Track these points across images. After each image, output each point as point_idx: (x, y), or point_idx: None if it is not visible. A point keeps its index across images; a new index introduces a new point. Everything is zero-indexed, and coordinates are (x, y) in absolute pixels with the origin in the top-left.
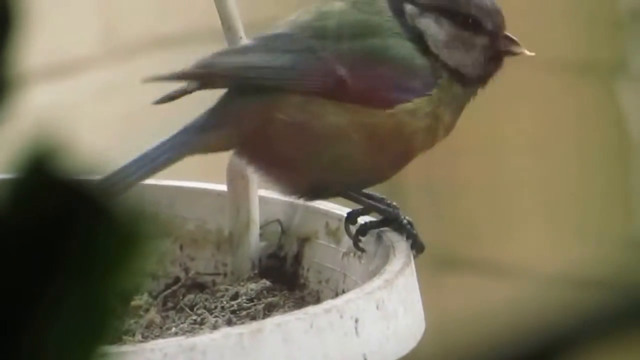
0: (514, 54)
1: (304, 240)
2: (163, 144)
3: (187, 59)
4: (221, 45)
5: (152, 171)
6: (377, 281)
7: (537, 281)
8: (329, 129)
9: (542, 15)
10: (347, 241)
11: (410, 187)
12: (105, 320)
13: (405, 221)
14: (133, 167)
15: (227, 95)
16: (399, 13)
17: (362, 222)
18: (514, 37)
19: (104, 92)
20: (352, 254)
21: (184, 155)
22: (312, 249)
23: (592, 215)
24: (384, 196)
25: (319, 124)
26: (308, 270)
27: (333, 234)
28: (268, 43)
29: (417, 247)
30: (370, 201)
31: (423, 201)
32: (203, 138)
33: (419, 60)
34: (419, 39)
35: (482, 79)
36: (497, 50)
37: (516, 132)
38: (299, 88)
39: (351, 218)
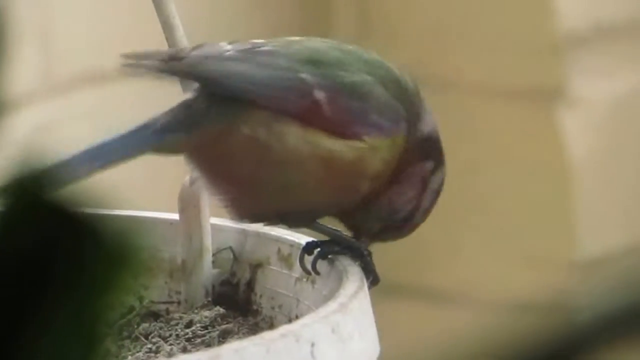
0: None
1: (256, 267)
2: (117, 139)
3: (126, 94)
4: (162, 79)
5: (104, 166)
6: (332, 305)
7: (481, 307)
8: (287, 152)
9: (481, 41)
10: (299, 267)
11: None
12: (95, 341)
13: (366, 252)
14: (85, 158)
15: (192, 98)
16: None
17: (324, 247)
18: None
19: (43, 128)
20: (304, 279)
21: (138, 154)
22: (264, 275)
23: (535, 239)
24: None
25: (278, 146)
26: (261, 296)
27: (285, 260)
28: (250, 56)
29: (373, 279)
30: (335, 232)
31: None
32: (160, 138)
33: (398, 106)
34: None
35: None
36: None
37: (459, 157)
38: (272, 104)
39: (309, 249)
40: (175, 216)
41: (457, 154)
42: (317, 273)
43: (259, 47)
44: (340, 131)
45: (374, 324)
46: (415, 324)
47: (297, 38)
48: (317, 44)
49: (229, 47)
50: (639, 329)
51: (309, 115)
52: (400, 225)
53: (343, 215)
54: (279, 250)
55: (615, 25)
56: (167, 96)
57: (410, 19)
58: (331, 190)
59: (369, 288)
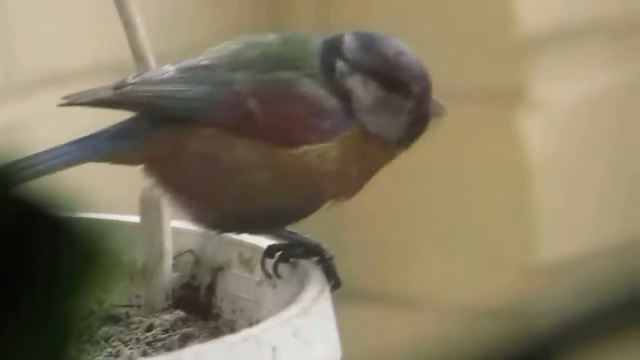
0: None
1: (217, 270)
2: (71, 144)
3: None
4: None
5: (58, 167)
6: (293, 309)
7: (442, 312)
8: (238, 163)
9: (441, 42)
10: (260, 270)
11: (312, 216)
12: (69, 339)
13: (328, 256)
14: (39, 159)
15: (142, 114)
16: (328, 66)
17: (285, 251)
18: (439, 101)
19: (5, 128)
20: (265, 283)
21: (90, 159)
22: (225, 279)
23: (495, 244)
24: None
25: (228, 157)
26: (222, 300)
27: (246, 264)
28: (186, 74)
29: (335, 283)
30: (295, 235)
31: (324, 230)
32: (113, 147)
33: (332, 102)
34: (343, 95)
35: (404, 143)
36: (421, 114)
37: (418, 161)
38: (209, 120)
39: (270, 252)
40: (136, 219)
41: (416, 156)
42: (279, 276)
43: (200, 62)
44: (281, 140)
45: (335, 328)
46: (375, 329)
47: (232, 44)
48: (247, 48)
49: (171, 68)
50: (600, 334)
51: (245, 128)
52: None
53: None
54: (240, 254)
55: (576, 28)
56: None
57: (369, 19)
58: (286, 196)
59: (331, 292)
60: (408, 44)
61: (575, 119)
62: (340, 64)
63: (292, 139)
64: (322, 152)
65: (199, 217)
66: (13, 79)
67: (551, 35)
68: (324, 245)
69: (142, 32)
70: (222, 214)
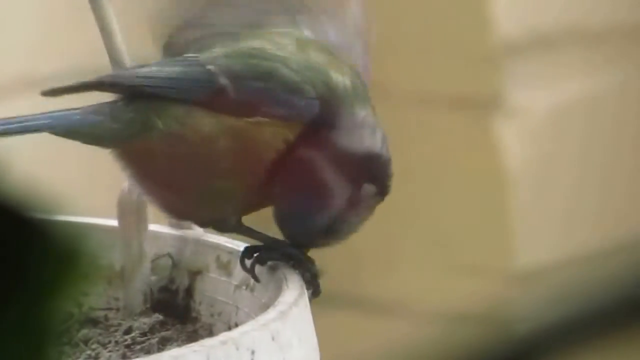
0: None
1: (195, 274)
2: (42, 113)
3: (63, 100)
4: None
5: (23, 129)
6: (271, 313)
7: (419, 317)
8: (201, 137)
9: (416, 49)
10: (238, 274)
11: None
12: (47, 342)
13: (307, 261)
14: (10, 120)
15: (115, 100)
16: None
17: (263, 253)
18: None
19: None
20: (244, 287)
21: (59, 129)
22: (203, 282)
23: (472, 250)
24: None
25: (193, 134)
26: (200, 303)
27: (224, 267)
28: (163, 61)
29: (314, 291)
30: (271, 237)
31: None
32: (84, 120)
33: (309, 87)
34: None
35: None
36: None
37: (394, 166)
38: (181, 96)
39: (248, 253)
40: (114, 222)
41: (393, 162)
42: (256, 279)
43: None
44: (243, 112)
45: (313, 332)
46: (353, 334)
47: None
48: (238, 40)
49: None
50: (576, 340)
51: (217, 102)
52: (330, 237)
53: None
54: (218, 257)
55: (552, 35)
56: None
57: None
58: (238, 166)
59: (310, 299)
60: (384, 50)
61: (551, 126)
62: None
63: (254, 109)
64: (277, 130)
65: (168, 205)
66: None
67: (527, 43)
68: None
69: (118, 37)
70: (188, 198)
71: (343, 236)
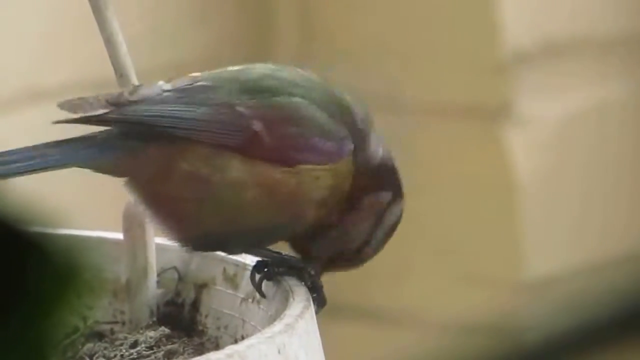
0: None
1: (202, 287)
2: (49, 145)
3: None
4: None
5: (32, 169)
6: (277, 325)
7: (428, 328)
8: (229, 183)
9: (426, 58)
10: (245, 287)
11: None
12: (46, 356)
13: (313, 273)
14: (17, 156)
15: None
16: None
17: (271, 268)
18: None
19: None
20: (250, 300)
21: (70, 165)
22: (209, 295)
23: (481, 260)
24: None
25: (219, 177)
26: (206, 316)
27: (231, 280)
28: (186, 95)
29: (319, 301)
30: (277, 254)
31: None
32: (96, 156)
33: (337, 126)
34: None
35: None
36: None
37: (404, 176)
38: (211, 140)
39: (259, 267)
40: (120, 235)
41: (403, 172)
42: (262, 295)
43: (196, 82)
44: (280, 159)
45: (320, 345)
46: (361, 345)
47: (233, 68)
48: (251, 72)
49: (167, 86)
50: (585, 350)
51: (250, 147)
52: (350, 256)
53: (295, 241)
54: (225, 270)
55: (562, 43)
56: None
57: (354, 35)
58: (273, 216)
59: (316, 312)
60: (393, 59)
61: (561, 135)
62: None
63: (292, 157)
64: (318, 175)
65: (180, 236)
66: None
67: (537, 52)
68: (308, 265)
69: (123, 49)
70: (205, 233)
71: (371, 255)
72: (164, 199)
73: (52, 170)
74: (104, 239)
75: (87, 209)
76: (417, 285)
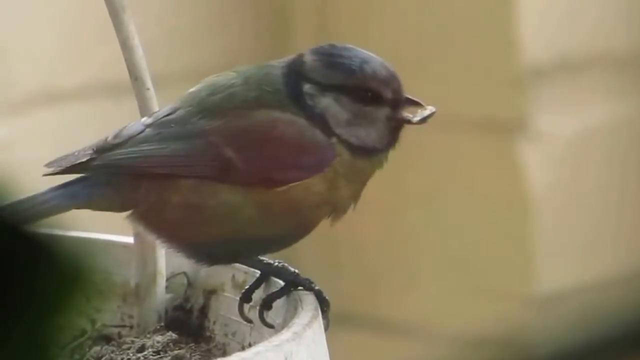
0: (412, 121)
1: (210, 293)
2: (53, 190)
3: (84, 113)
4: (119, 100)
5: (42, 215)
6: (285, 334)
7: (437, 340)
8: (224, 206)
9: (442, 72)
10: (254, 294)
11: (307, 240)
12: (51, 358)
13: (314, 284)
14: (23, 206)
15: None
16: (296, 92)
17: (264, 295)
18: (414, 99)
19: (1, 144)
20: (258, 307)
21: (72, 207)
22: (218, 302)
23: (492, 273)
24: (281, 262)
25: (213, 202)
26: (214, 322)
27: (240, 287)
28: (162, 130)
29: (321, 303)
30: (265, 265)
31: (318, 254)
32: (94, 197)
33: (313, 136)
34: (318, 117)
35: (387, 147)
36: (399, 118)
37: (416, 188)
38: (190, 173)
39: (247, 296)
40: (130, 239)
41: (416, 184)
42: (269, 325)
43: (175, 110)
44: (263, 183)
45: (327, 354)
46: (369, 355)
47: (204, 87)
48: (215, 91)
49: (149, 120)
50: None
51: (227, 176)
52: None
53: None
54: (234, 277)
55: (579, 60)
56: (124, 116)
57: (370, 48)
58: (275, 229)
59: (324, 315)
60: (411, 72)
61: (576, 150)
62: (307, 87)
63: (275, 180)
64: (308, 186)
65: (189, 255)
66: (8, 96)
67: (553, 67)
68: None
69: (139, 53)
70: (213, 250)
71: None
72: (163, 226)
73: (55, 215)
74: (113, 242)
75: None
76: (427, 296)
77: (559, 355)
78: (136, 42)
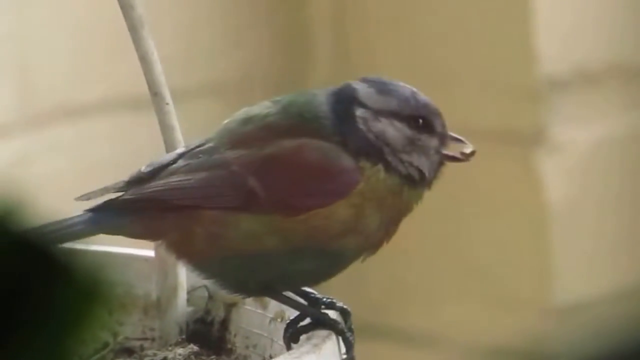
0: (460, 159)
1: (231, 306)
2: (81, 216)
3: (103, 128)
4: (138, 115)
5: (69, 238)
6: (305, 346)
7: (458, 350)
8: (246, 235)
9: (460, 83)
10: (273, 307)
11: None
12: None
13: (340, 325)
14: (46, 229)
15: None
16: (344, 117)
17: (292, 329)
18: (457, 136)
19: (20, 159)
20: (279, 319)
21: (98, 233)
22: (239, 314)
23: (512, 284)
24: (318, 296)
25: (234, 233)
26: (235, 335)
27: (260, 300)
28: (190, 161)
29: (345, 343)
30: (295, 301)
31: None
32: (121, 225)
33: (336, 159)
34: (365, 140)
35: (431, 180)
36: (445, 154)
37: (436, 200)
38: (214, 204)
39: (295, 337)
40: (151, 253)
41: (435, 196)
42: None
43: (207, 142)
44: (283, 211)
45: None
46: None
47: (238, 116)
48: (245, 118)
49: (182, 149)
50: None
51: (250, 204)
52: None
53: None
54: None
55: (596, 70)
56: (143, 131)
57: (389, 59)
58: (302, 258)
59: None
60: (429, 84)
61: (594, 161)
62: (360, 111)
63: (294, 207)
64: (328, 214)
65: (220, 285)
66: (29, 110)
67: (571, 78)
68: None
69: (158, 68)
70: (241, 280)
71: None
72: (192, 256)
73: (83, 238)
74: (135, 256)
75: None
76: (448, 307)
77: None
78: (155, 57)
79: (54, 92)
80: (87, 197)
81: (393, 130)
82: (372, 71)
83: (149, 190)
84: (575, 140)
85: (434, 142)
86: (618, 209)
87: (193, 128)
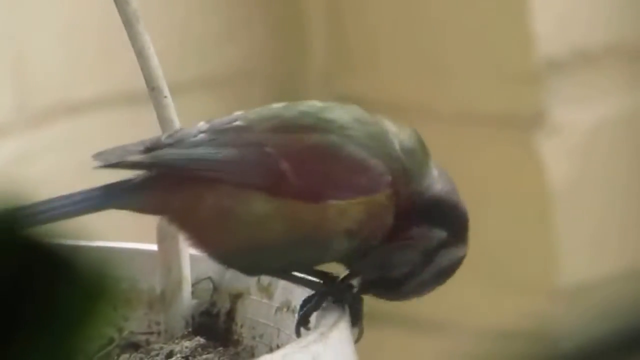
0: None
1: (236, 297)
2: (91, 190)
3: (101, 125)
4: (137, 109)
5: (74, 213)
6: (312, 335)
7: (465, 335)
8: (252, 215)
9: (458, 68)
10: (279, 296)
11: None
12: None
13: (350, 296)
14: (56, 204)
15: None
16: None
17: (300, 312)
18: None
19: (18, 157)
20: (285, 309)
21: (108, 207)
22: (244, 305)
23: (517, 267)
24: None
25: (241, 209)
26: (242, 326)
27: (265, 290)
28: (218, 137)
29: (357, 326)
30: (298, 277)
31: None
32: (132, 198)
33: (374, 163)
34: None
35: None
36: None
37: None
38: (236, 179)
39: (304, 321)
40: (154, 247)
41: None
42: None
43: (234, 121)
44: (305, 196)
45: (354, 354)
46: (397, 351)
47: (276, 105)
48: (290, 110)
49: (205, 126)
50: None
51: (276, 186)
52: (391, 285)
53: (343, 260)
54: (259, 280)
55: (595, 51)
56: (143, 126)
57: (386, 46)
58: (297, 247)
59: (355, 342)
60: (426, 70)
61: (595, 142)
62: None
63: (317, 194)
64: (345, 208)
65: (211, 256)
66: (26, 108)
67: (570, 59)
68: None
69: (155, 62)
70: (233, 256)
71: (414, 291)
72: (194, 227)
73: (92, 213)
74: (138, 251)
75: (122, 221)
76: (454, 292)
77: (588, 346)
78: (152, 51)
79: (50, 89)
80: (103, 156)
81: None
82: (369, 62)
83: (173, 157)
84: (575, 122)
85: None
86: (620, 189)
87: (188, 122)
